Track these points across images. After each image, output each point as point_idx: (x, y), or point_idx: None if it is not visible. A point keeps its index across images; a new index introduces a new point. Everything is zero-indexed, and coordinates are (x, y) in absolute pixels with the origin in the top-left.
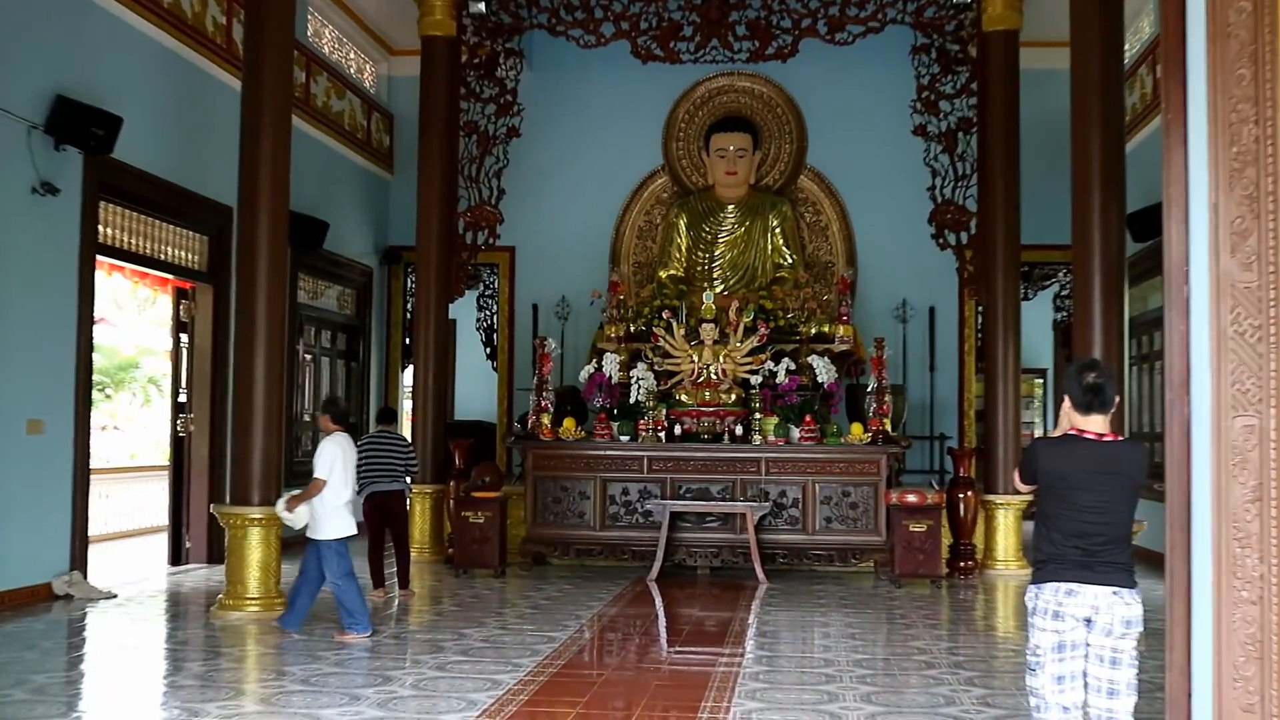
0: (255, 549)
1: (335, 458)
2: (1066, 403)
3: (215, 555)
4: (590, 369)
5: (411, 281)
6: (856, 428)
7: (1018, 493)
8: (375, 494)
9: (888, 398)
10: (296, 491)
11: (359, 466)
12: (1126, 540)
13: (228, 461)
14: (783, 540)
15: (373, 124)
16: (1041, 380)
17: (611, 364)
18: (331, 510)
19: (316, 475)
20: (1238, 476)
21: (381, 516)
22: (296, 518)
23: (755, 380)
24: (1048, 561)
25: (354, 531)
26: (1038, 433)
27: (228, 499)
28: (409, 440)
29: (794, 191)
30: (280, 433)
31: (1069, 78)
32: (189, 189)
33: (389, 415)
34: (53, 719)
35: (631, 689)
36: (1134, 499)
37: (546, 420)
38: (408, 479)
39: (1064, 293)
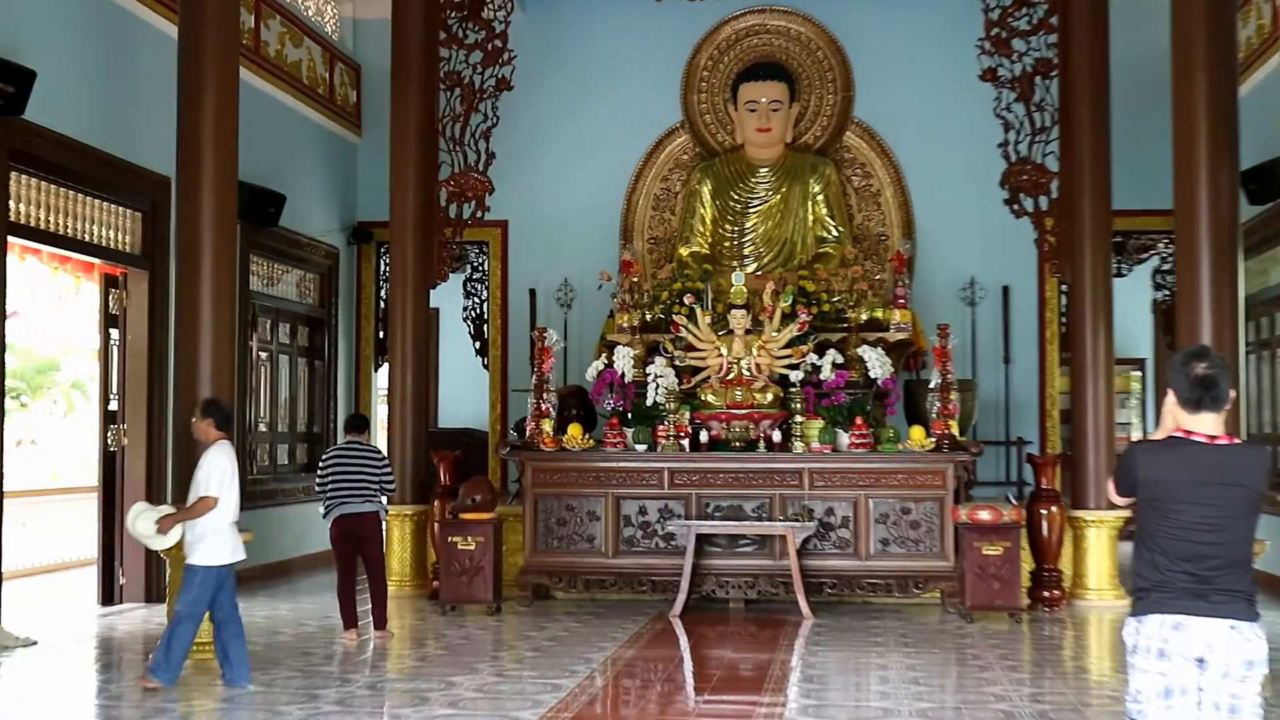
0: None
1: (225, 471)
2: (1170, 398)
3: (154, 593)
4: (599, 365)
5: (385, 264)
6: (917, 432)
7: (1113, 507)
8: (345, 517)
9: (954, 395)
10: (170, 509)
11: (325, 483)
12: (1246, 563)
13: (168, 482)
14: (831, 567)
15: (336, 76)
16: (1139, 373)
17: (624, 359)
18: (214, 532)
19: (205, 493)
20: None
21: (352, 543)
22: (168, 539)
23: (795, 376)
24: (1150, 590)
25: (239, 558)
26: (1136, 436)
27: None
28: (384, 453)
29: (839, 151)
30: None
31: (1168, 8)
32: (118, 156)
33: (360, 423)
34: None
35: None
36: (1254, 514)
37: (548, 427)
38: (383, 498)
39: (1165, 267)
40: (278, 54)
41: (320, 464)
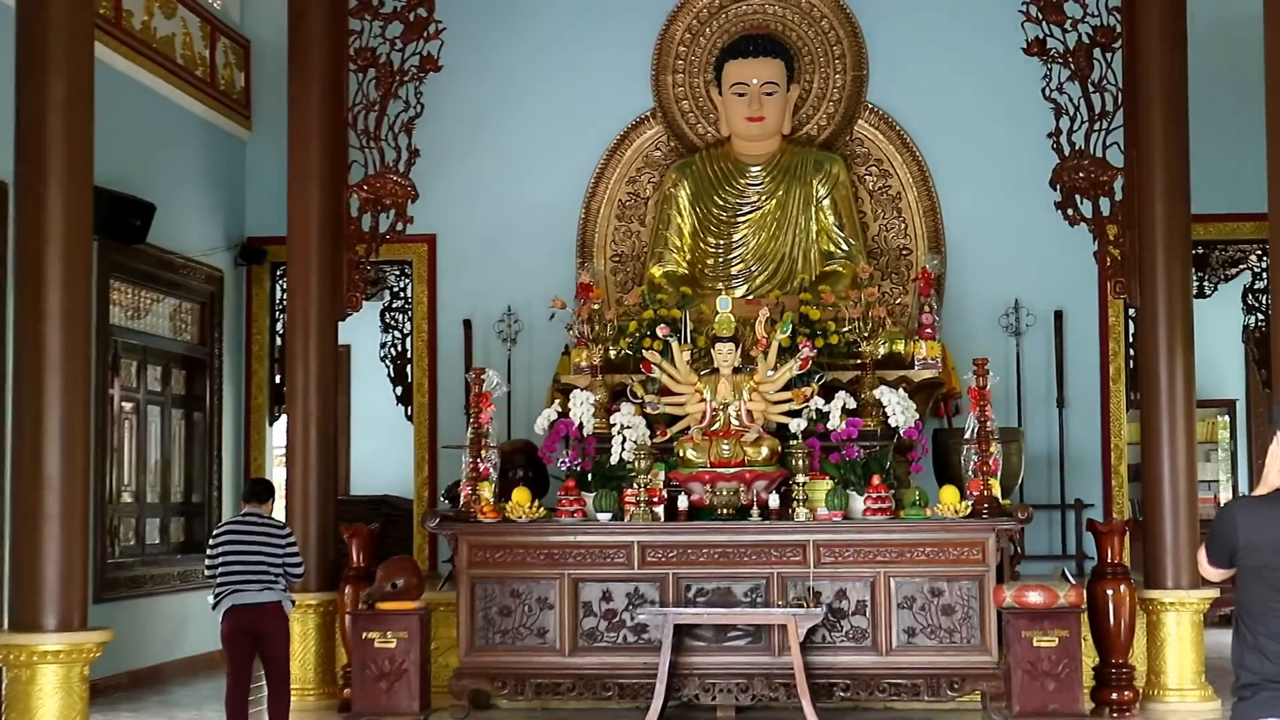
0: (50, 697)
1: None
2: (1275, 446)
3: None
4: (551, 415)
5: (282, 290)
6: (949, 493)
7: (1203, 584)
8: (239, 608)
9: (995, 448)
10: None
11: (215, 565)
12: None
13: (4, 566)
14: (843, 664)
15: (219, 54)
16: (1228, 417)
17: (583, 407)
18: None
19: None
20: None
21: (248, 641)
22: None
23: (797, 426)
24: (1258, 686)
25: None
26: (1224, 496)
27: (4, 623)
28: (288, 528)
29: (849, 145)
30: (86, 522)
31: None
32: None
33: (261, 491)
34: None
35: None
36: None
37: (488, 493)
38: (284, 584)
39: (1259, 285)
40: (144, 26)
41: (210, 542)
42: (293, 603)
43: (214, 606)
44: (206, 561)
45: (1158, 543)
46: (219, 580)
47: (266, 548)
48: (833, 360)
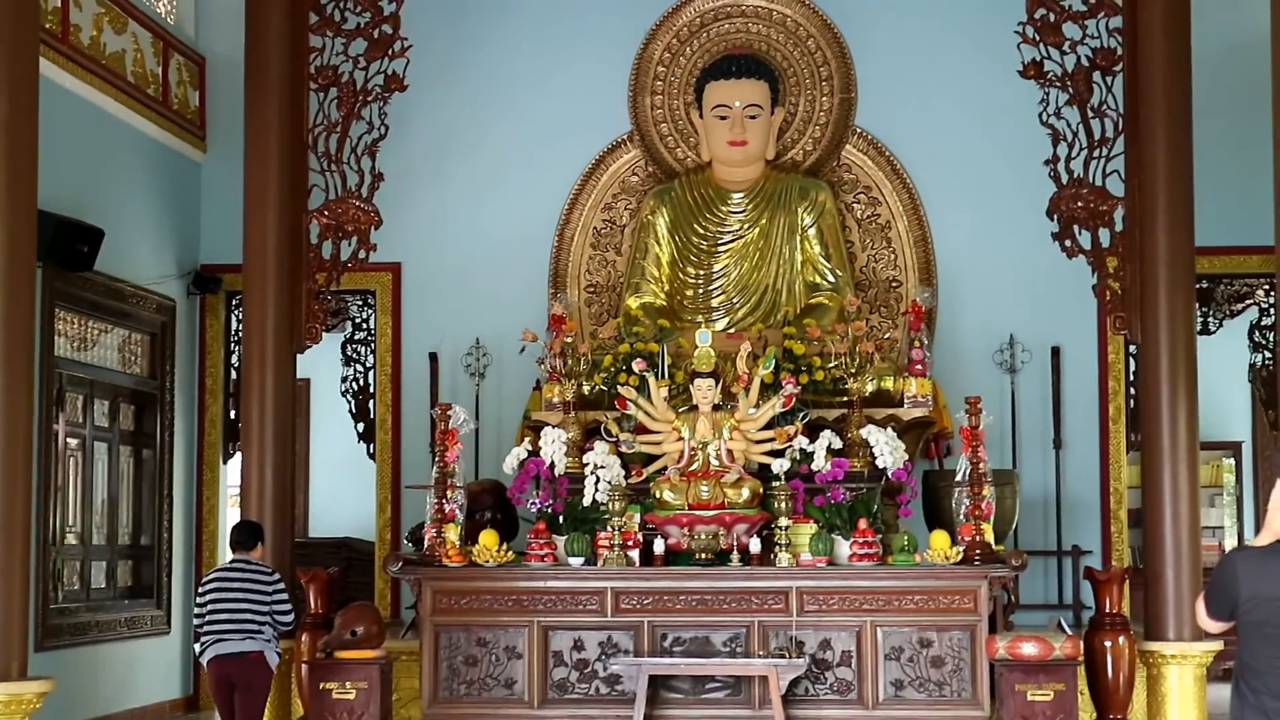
0: None
1: None
2: (1278, 492)
3: None
4: (521, 454)
5: (238, 321)
6: (940, 539)
7: (1206, 636)
8: (221, 658)
9: (988, 491)
10: None
11: (202, 614)
12: None
13: None
14: (828, 718)
15: (173, 72)
16: (1233, 460)
17: (554, 445)
18: None
19: None
20: None
21: (231, 692)
22: None
23: (779, 467)
24: None
25: None
26: (1230, 543)
27: None
28: (276, 575)
29: (837, 171)
30: (27, 565)
31: None
32: None
33: (248, 537)
34: None
35: None
36: None
37: (453, 535)
38: (272, 633)
39: (1266, 321)
40: (93, 41)
41: (198, 591)
42: (279, 654)
43: (199, 656)
44: (195, 610)
45: (1159, 592)
46: (204, 630)
47: (252, 595)
48: (818, 398)
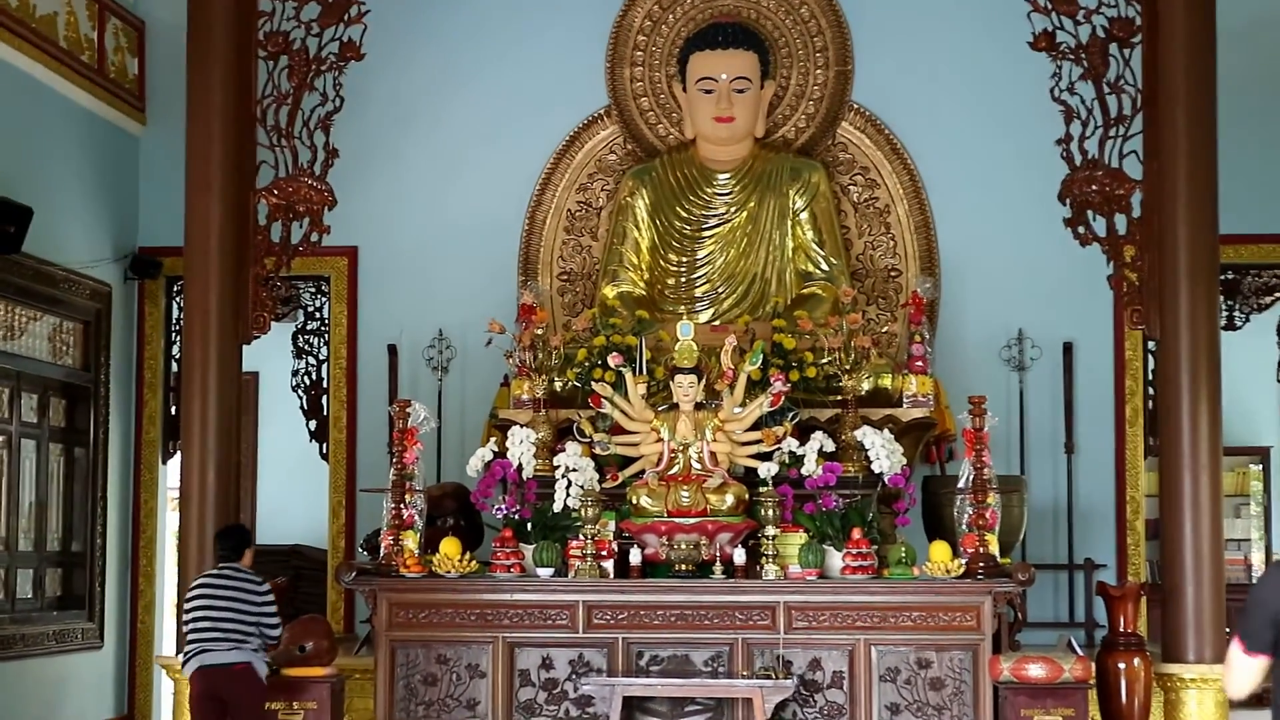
0: None
1: None
2: None
3: None
4: (487, 455)
5: (179, 308)
6: (940, 550)
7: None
8: (205, 670)
9: (992, 499)
10: None
11: (186, 623)
12: None
13: None
14: None
15: (109, 38)
16: (1260, 466)
17: (523, 446)
18: None
19: None
20: None
21: (215, 707)
22: None
23: (767, 470)
24: None
25: None
26: (1256, 557)
27: None
28: (264, 585)
29: (832, 150)
30: None
31: None
32: None
33: (235, 541)
34: None
35: None
36: None
37: (412, 543)
38: (259, 644)
39: None
40: (21, 3)
41: (185, 600)
42: (269, 666)
43: (181, 668)
44: (184, 619)
45: (1178, 610)
46: (187, 640)
47: (239, 603)
48: (809, 396)
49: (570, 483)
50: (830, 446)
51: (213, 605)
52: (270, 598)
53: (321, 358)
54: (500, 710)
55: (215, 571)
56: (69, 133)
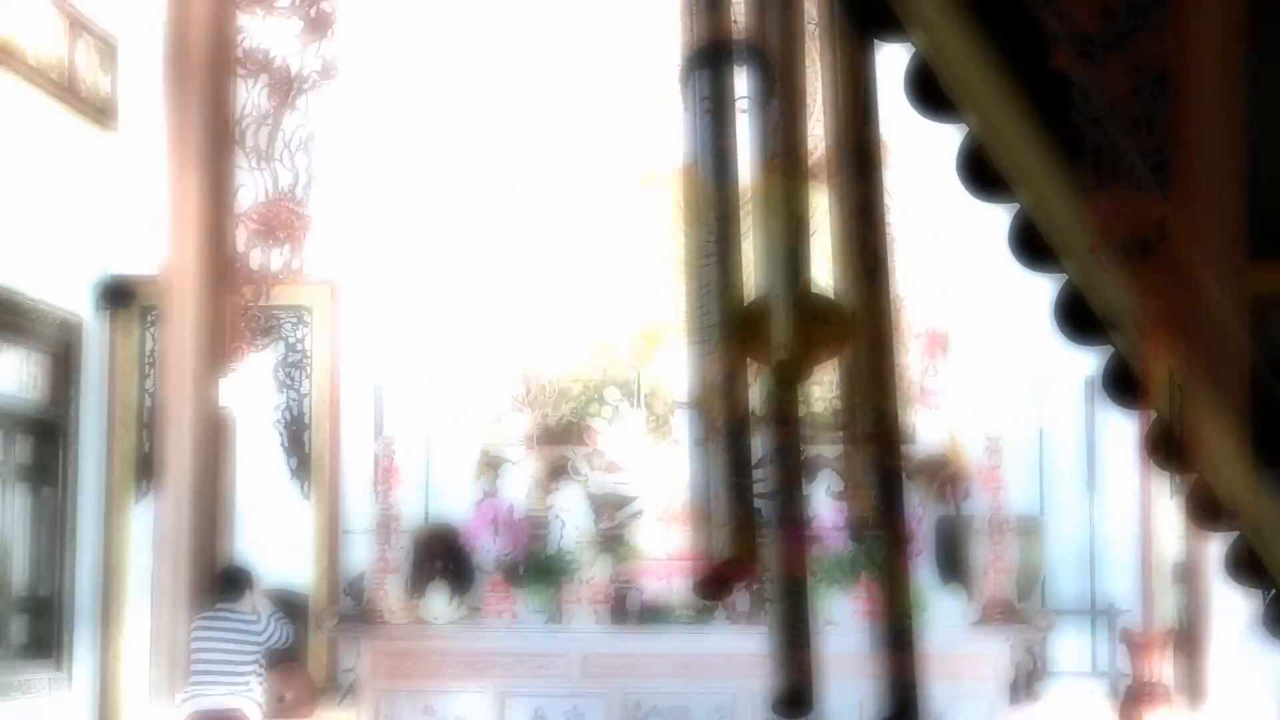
0: None
1: None
2: None
3: None
4: (477, 494)
5: (154, 339)
6: (955, 595)
7: None
8: (201, 715)
9: (1010, 540)
10: None
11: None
12: None
13: None
14: None
15: (80, 55)
16: None
17: (516, 484)
18: None
19: None
20: None
21: None
22: None
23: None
24: None
25: None
26: None
27: None
28: (265, 623)
29: None
30: None
31: None
32: None
33: (235, 581)
34: None
35: None
36: None
37: (398, 588)
38: (258, 683)
39: None
40: None
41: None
42: (262, 706)
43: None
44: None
45: (1204, 658)
46: (191, 679)
47: (238, 644)
48: (816, 432)
49: (565, 523)
50: (837, 487)
51: (210, 647)
52: (272, 635)
53: (303, 392)
54: None
55: (213, 613)
56: (39, 154)
